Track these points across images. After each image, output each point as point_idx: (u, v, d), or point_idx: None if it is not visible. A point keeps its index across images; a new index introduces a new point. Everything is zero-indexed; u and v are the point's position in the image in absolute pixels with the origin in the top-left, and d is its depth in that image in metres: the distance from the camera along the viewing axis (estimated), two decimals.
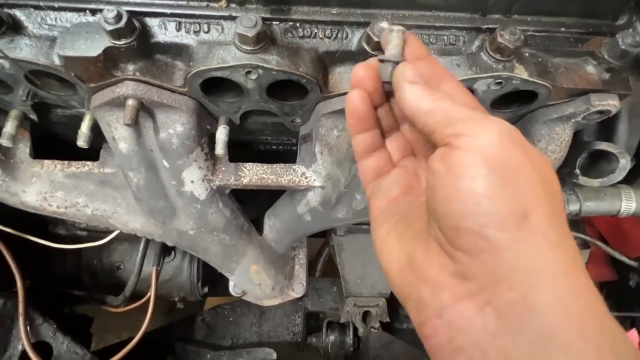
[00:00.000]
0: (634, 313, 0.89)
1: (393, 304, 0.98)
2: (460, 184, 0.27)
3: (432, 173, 0.30)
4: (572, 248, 0.27)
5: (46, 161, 0.60)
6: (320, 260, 1.20)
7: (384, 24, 0.44)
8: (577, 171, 0.56)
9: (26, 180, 0.60)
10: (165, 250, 0.86)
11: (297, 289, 0.83)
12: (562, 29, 0.49)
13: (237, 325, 1.03)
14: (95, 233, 0.83)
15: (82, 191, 0.61)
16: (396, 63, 0.34)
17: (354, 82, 0.36)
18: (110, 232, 0.75)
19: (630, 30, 0.47)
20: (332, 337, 0.99)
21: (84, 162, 0.61)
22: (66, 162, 0.61)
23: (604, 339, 0.25)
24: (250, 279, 0.72)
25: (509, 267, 0.26)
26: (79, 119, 0.55)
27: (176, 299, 0.92)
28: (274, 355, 0.91)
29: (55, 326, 0.70)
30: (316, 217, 0.67)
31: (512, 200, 0.26)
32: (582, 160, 0.56)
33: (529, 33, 0.48)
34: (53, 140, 0.63)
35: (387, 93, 0.37)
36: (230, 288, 0.80)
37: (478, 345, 0.26)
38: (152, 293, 0.76)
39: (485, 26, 0.48)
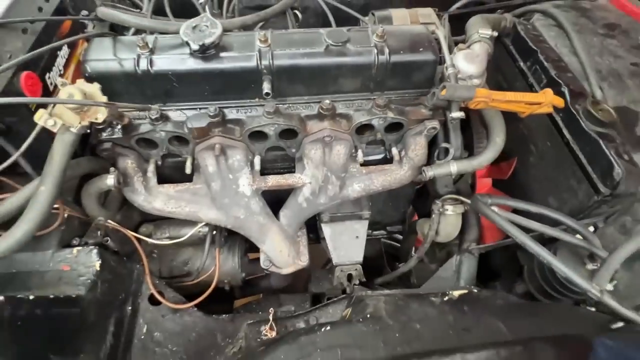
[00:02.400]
0: None
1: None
2: None
3: None
4: None
5: (165, 185, 1.14)
6: None
7: (327, 101, 1.04)
8: (435, 159, 1.13)
9: (155, 196, 1.13)
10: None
11: (303, 259, 1.32)
12: (406, 95, 1.09)
13: None
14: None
15: (183, 199, 1.15)
16: None
17: None
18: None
19: (432, 92, 1.07)
20: None
21: (184, 183, 1.15)
22: (174, 184, 1.15)
23: None
24: (274, 247, 1.22)
25: None
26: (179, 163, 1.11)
27: (225, 282, 1.39)
28: None
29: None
30: (309, 204, 1.20)
31: None
32: (437, 153, 1.13)
33: (392, 98, 1.09)
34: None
35: None
36: (261, 261, 1.29)
37: None
38: (217, 265, 1.25)
39: (373, 97, 1.08)
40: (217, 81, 1.01)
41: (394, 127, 1.10)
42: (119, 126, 1.02)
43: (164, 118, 1.04)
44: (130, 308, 1.06)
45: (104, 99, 0.88)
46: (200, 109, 1.05)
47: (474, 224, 1.31)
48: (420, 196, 1.49)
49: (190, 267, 1.38)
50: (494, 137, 1.09)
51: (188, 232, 1.25)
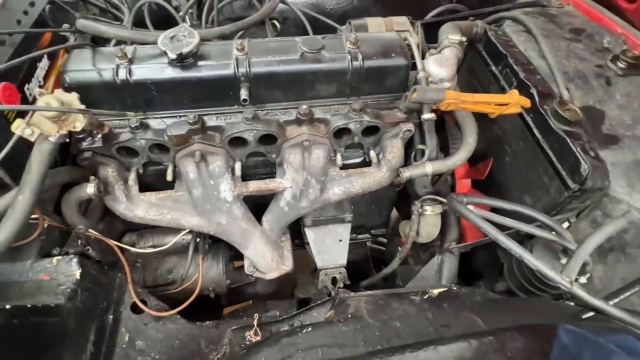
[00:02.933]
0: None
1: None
2: None
3: None
4: None
5: (146, 193, 1.15)
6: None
7: (304, 107, 1.06)
8: (412, 160, 1.16)
9: (136, 204, 1.14)
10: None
11: (287, 264, 1.33)
12: (381, 100, 1.12)
13: None
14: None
15: (165, 206, 1.15)
16: None
17: None
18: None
19: (404, 95, 1.11)
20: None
21: (166, 190, 1.16)
22: (156, 192, 1.16)
23: None
24: (257, 252, 1.23)
25: None
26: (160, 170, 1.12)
27: (210, 289, 1.39)
28: None
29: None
30: (291, 208, 1.21)
31: None
32: (413, 154, 1.16)
33: (368, 102, 1.12)
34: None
35: None
36: (245, 267, 1.30)
37: None
38: (200, 272, 1.25)
39: (349, 101, 1.11)
40: (196, 89, 1.03)
41: (370, 130, 1.13)
42: (99, 135, 1.03)
43: (144, 126, 1.06)
44: (112, 317, 1.06)
45: (82, 107, 0.89)
46: (180, 116, 1.07)
47: (454, 224, 1.34)
48: (403, 199, 1.52)
49: (174, 276, 1.38)
50: (466, 138, 1.12)
51: (171, 241, 1.26)
